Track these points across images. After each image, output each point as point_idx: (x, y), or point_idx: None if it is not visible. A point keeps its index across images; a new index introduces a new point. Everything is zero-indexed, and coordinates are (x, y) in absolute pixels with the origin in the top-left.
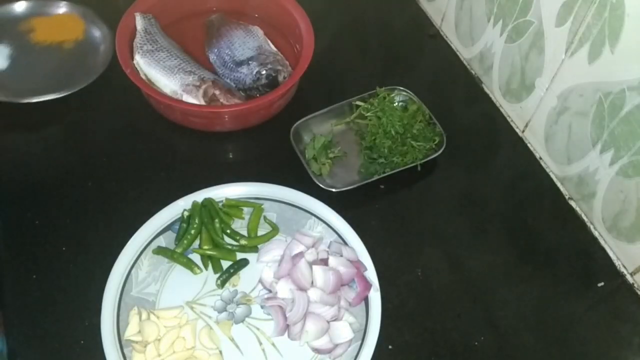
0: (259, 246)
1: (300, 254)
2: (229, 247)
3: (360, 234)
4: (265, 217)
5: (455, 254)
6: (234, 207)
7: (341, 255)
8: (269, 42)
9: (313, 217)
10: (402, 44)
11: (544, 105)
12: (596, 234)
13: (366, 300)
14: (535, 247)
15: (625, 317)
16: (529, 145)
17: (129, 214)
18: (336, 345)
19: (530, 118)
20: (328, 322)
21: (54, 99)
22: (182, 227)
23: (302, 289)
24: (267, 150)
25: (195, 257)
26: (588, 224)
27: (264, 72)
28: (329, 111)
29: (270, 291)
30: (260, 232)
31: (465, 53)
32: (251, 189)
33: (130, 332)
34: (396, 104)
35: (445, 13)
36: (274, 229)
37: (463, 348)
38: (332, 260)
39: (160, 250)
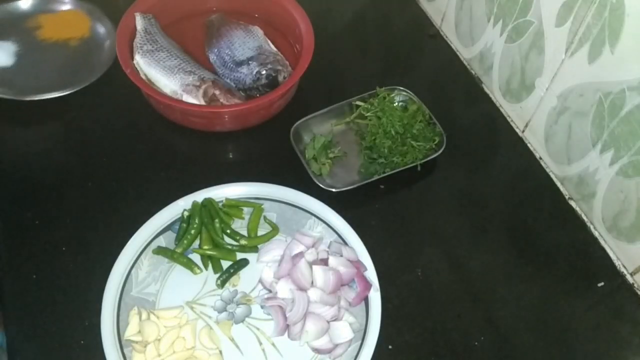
0: (259, 246)
1: (300, 254)
2: (229, 247)
3: (360, 234)
4: (265, 217)
5: (455, 254)
6: (234, 207)
7: (341, 255)
8: (269, 42)
9: (313, 217)
10: (402, 44)
11: (544, 105)
12: (596, 234)
13: (366, 300)
14: (535, 247)
15: (625, 317)
16: (529, 145)
17: (129, 214)
18: (336, 345)
19: (530, 118)
20: (328, 322)
21: (56, 97)
22: (182, 227)
23: (302, 289)
24: (267, 150)
25: (195, 257)
26: (588, 224)
27: (264, 72)
28: (329, 111)
29: (270, 291)
30: (260, 232)
31: (465, 53)
32: (251, 189)
33: (130, 332)
34: (396, 104)
35: (445, 13)
36: (274, 229)
37: (463, 348)
38: (332, 260)
39: (160, 250)
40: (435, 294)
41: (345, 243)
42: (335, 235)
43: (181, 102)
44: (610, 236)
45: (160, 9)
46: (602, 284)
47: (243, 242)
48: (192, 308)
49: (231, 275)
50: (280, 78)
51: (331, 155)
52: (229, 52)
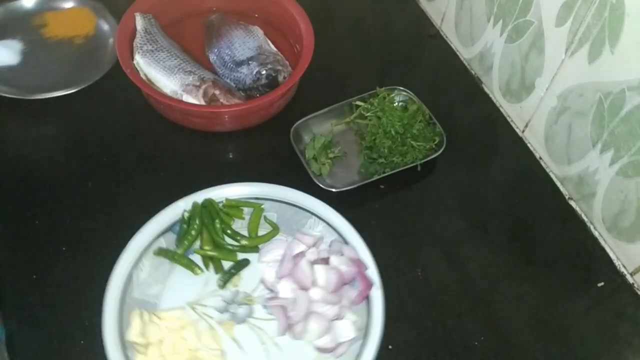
0: (259, 246)
1: (302, 254)
2: (230, 247)
3: (360, 233)
4: (265, 217)
5: (455, 254)
6: (234, 207)
7: (342, 254)
8: (269, 42)
9: (313, 217)
10: (402, 44)
11: (544, 105)
12: (596, 234)
13: (368, 298)
14: (535, 247)
15: (625, 317)
16: (529, 145)
17: (129, 214)
18: (339, 344)
19: (530, 118)
20: (330, 321)
21: (59, 96)
22: (182, 228)
23: (304, 288)
24: (267, 150)
25: (196, 258)
26: (588, 224)
27: (264, 72)
28: (329, 111)
29: (272, 291)
30: (260, 232)
31: (465, 53)
32: (251, 189)
33: (132, 334)
34: (396, 104)
35: (445, 13)
36: (275, 229)
37: (463, 348)
38: (334, 260)
39: (161, 252)
40: (435, 294)
41: (346, 242)
42: (336, 235)
43: (181, 102)
44: (610, 236)
45: (160, 9)
46: (602, 284)
47: (244, 242)
48: (194, 309)
49: (232, 275)
50: (280, 78)
51: (331, 155)
52: (229, 52)
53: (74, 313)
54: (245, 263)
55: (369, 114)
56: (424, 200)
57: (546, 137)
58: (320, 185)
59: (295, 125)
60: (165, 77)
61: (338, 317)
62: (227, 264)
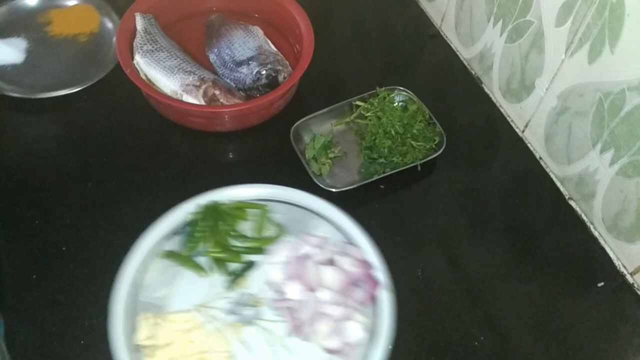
0: (266, 248)
1: (308, 255)
2: (236, 249)
3: None
4: (271, 219)
5: (455, 254)
6: (240, 209)
7: (349, 255)
8: (269, 42)
9: (319, 218)
10: (402, 44)
11: (544, 105)
12: (596, 234)
13: (377, 300)
14: (535, 247)
15: (625, 317)
16: (529, 145)
17: (128, 214)
18: (347, 345)
19: (530, 118)
20: (338, 321)
21: (62, 95)
22: (188, 230)
23: (311, 289)
24: (267, 150)
25: (203, 261)
26: (588, 224)
27: (264, 72)
28: (329, 111)
29: (278, 292)
30: (266, 234)
31: (465, 53)
32: (257, 191)
33: (139, 338)
34: (396, 104)
35: (445, 13)
36: (281, 230)
37: (463, 348)
38: (340, 260)
39: (167, 254)
40: (435, 294)
41: (352, 243)
42: (343, 235)
43: (181, 102)
44: (610, 236)
45: (160, 9)
46: (602, 284)
47: (250, 244)
48: (201, 311)
49: (239, 277)
50: (280, 78)
51: (331, 155)
52: (229, 52)
53: (74, 313)
54: (251, 265)
55: (369, 114)
56: (424, 200)
57: (546, 137)
58: (320, 186)
59: (295, 125)
60: (165, 77)
61: (346, 318)
62: (233, 266)
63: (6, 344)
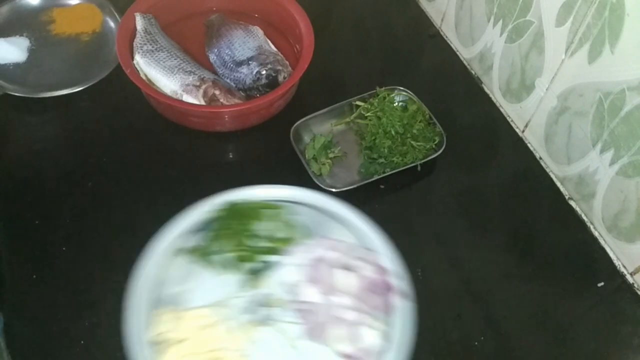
0: (284, 249)
1: (327, 258)
2: (254, 249)
3: None
4: (291, 220)
5: (455, 254)
6: (259, 209)
7: (368, 261)
8: (269, 42)
9: (338, 221)
10: (402, 44)
11: (544, 105)
12: (596, 234)
13: (394, 307)
14: (535, 247)
15: (625, 317)
16: (529, 145)
17: (128, 214)
18: (361, 351)
19: (530, 118)
20: (353, 327)
21: (63, 95)
22: (206, 229)
23: (328, 292)
24: (267, 150)
25: (220, 259)
26: (588, 224)
27: (264, 72)
28: (329, 111)
29: (295, 294)
30: (285, 235)
31: (465, 53)
32: (277, 192)
33: (155, 333)
34: (396, 104)
35: (445, 13)
36: (300, 232)
37: (463, 348)
38: (359, 265)
39: (186, 251)
40: (435, 294)
41: (371, 248)
42: (362, 239)
43: (181, 102)
44: (610, 236)
45: (160, 9)
46: (602, 284)
47: (268, 244)
48: (216, 309)
49: (255, 277)
50: (280, 78)
51: (331, 155)
52: (229, 52)
53: (74, 313)
54: (269, 265)
55: (369, 114)
56: (424, 200)
57: (546, 137)
58: (320, 186)
59: (295, 125)
60: (165, 77)
61: (362, 324)
62: (250, 266)
63: (6, 343)
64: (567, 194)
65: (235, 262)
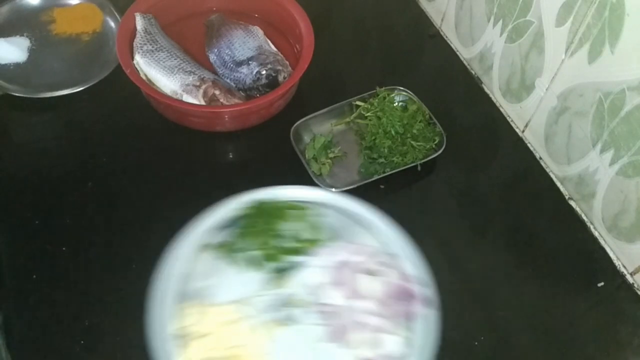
0: (309, 250)
1: (353, 262)
2: (280, 249)
3: None
4: (315, 222)
5: (455, 255)
6: (284, 209)
7: (395, 268)
8: (269, 42)
9: (365, 225)
10: (402, 44)
11: (544, 105)
12: (596, 234)
13: (416, 313)
14: (535, 247)
15: (625, 317)
16: (529, 145)
17: (128, 214)
18: (383, 357)
19: (530, 118)
20: (376, 332)
21: (64, 95)
22: (232, 226)
23: (352, 296)
24: (267, 150)
25: (245, 257)
26: (588, 224)
27: (264, 72)
28: (329, 111)
29: (319, 296)
30: (311, 237)
31: (465, 53)
32: (304, 193)
33: (178, 326)
34: (396, 104)
35: (445, 13)
36: (324, 234)
37: (463, 348)
38: (386, 271)
39: (212, 247)
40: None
41: (398, 254)
42: (389, 245)
43: (181, 102)
44: (610, 236)
45: (160, 9)
46: (602, 284)
47: (294, 244)
48: (240, 306)
49: (280, 277)
50: (280, 78)
51: (331, 155)
52: (229, 52)
53: (74, 313)
54: (293, 266)
55: (369, 114)
56: (424, 200)
57: (546, 137)
58: (321, 186)
59: (295, 125)
60: (165, 77)
61: (384, 330)
62: (275, 266)
63: (6, 343)
64: (567, 194)
65: (260, 261)
